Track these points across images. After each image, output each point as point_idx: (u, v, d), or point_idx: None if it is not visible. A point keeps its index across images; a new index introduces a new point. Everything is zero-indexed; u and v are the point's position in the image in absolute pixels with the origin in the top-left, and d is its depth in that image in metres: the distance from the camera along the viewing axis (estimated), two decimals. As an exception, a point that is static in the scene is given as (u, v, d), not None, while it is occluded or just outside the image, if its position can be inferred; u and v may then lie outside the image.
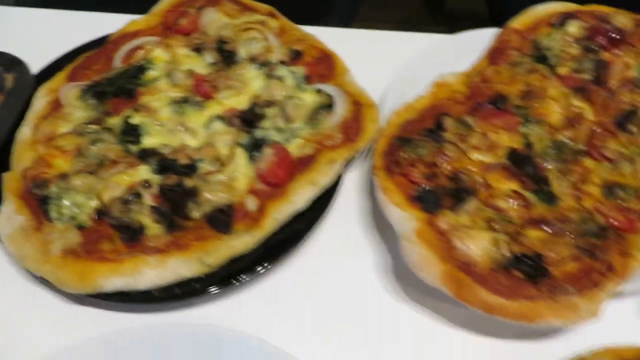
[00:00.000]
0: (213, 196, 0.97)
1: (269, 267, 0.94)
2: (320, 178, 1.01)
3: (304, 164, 1.03)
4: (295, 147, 1.05)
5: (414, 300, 0.97)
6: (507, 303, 0.85)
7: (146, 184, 0.99)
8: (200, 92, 1.13)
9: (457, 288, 0.87)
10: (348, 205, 1.09)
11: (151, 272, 0.88)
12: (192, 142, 1.07)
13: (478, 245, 0.90)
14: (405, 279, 0.97)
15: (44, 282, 0.91)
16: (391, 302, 0.97)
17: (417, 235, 0.91)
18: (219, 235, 0.95)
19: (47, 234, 0.91)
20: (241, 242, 0.95)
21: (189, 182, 0.98)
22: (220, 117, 1.10)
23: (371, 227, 1.06)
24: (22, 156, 1.02)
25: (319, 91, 1.13)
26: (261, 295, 0.98)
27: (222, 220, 0.96)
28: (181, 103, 1.11)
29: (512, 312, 0.85)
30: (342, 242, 1.04)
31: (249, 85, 1.15)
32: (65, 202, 0.95)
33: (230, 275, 0.93)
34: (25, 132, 1.06)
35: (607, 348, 0.84)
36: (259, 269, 0.93)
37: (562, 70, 1.17)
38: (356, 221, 1.07)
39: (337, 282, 0.99)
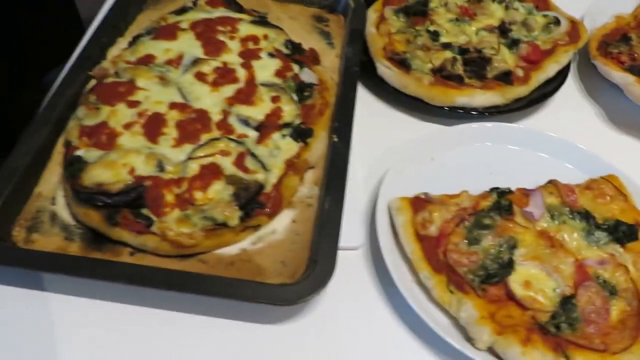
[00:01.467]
0: (498, 64, 1.63)
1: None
2: (560, 59, 1.67)
3: (548, 53, 1.69)
4: (540, 44, 1.71)
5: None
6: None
7: (454, 58, 1.65)
8: (467, 14, 1.81)
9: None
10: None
11: (479, 97, 1.54)
12: (468, 40, 1.74)
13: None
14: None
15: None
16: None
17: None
18: (505, 85, 1.60)
19: (414, 75, 1.57)
20: (517, 90, 1.60)
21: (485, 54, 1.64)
22: (483, 29, 1.77)
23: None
24: (377, 41, 1.70)
25: (545, 15, 1.79)
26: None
27: (505, 78, 1.62)
28: (455, 20, 1.79)
29: None
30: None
31: (494, 13, 1.83)
32: (415, 62, 1.62)
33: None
34: (372, 30, 1.74)
35: None
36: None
37: None
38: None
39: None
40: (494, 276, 1.19)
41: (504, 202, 1.31)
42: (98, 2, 1.89)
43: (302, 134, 1.40)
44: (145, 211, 1.21)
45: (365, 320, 1.23)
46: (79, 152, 1.31)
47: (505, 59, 1.71)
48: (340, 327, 1.19)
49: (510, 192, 1.35)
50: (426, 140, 1.47)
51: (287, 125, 1.40)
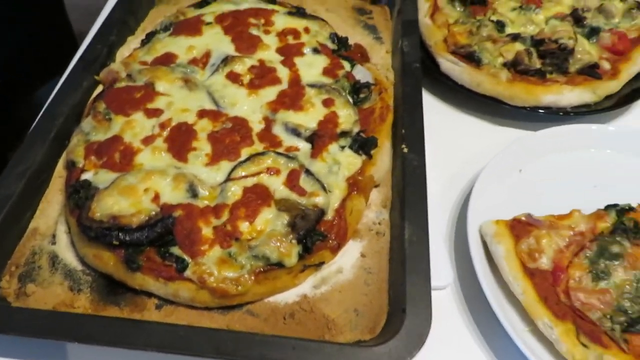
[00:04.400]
0: (581, 55, 1.37)
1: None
2: (652, 49, 1.41)
3: (636, 42, 1.43)
4: (625, 32, 1.46)
5: None
6: None
7: (528, 50, 1.39)
8: (532, 1, 1.55)
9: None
10: None
11: (567, 94, 1.28)
12: (539, 30, 1.48)
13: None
14: None
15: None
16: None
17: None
18: (594, 80, 1.34)
19: (487, 71, 1.31)
20: (608, 85, 1.34)
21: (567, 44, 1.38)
22: (553, 17, 1.51)
23: None
24: (434, 33, 1.44)
25: (623, 0, 1.54)
26: None
27: (592, 72, 1.36)
28: (519, 9, 1.54)
29: None
30: None
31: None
32: (485, 55, 1.36)
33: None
34: (427, 21, 1.48)
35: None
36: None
37: None
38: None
39: None
40: (638, 322, 0.92)
41: (627, 222, 1.04)
42: (91, 15, 1.64)
43: (364, 144, 1.12)
44: (175, 250, 0.92)
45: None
46: (86, 176, 1.02)
47: (587, 50, 1.46)
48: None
49: (631, 209, 1.07)
50: (512, 148, 1.20)
51: (344, 134, 1.13)
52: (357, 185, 1.07)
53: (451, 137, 1.32)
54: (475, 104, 1.38)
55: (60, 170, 1.10)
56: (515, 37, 1.46)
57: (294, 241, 0.93)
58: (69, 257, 0.97)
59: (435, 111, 1.39)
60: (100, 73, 1.24)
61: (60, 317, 0.85)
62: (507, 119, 1.37)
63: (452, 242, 1.11)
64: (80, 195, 0.98)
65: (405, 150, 1.11)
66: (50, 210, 1.04)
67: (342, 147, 1.10)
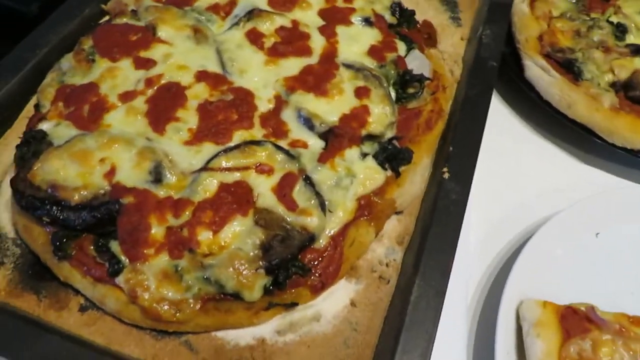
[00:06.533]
0: None
1: None
2: None
3: None
4: None
5: None
6: None
7: (652, 73, 1.05)
8: (674, 7, 1.18)
9: None
10: None
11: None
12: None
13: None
14: None
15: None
16: None
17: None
18: None
19: (586, 89, 0.99)
20: None
21: None
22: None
23: None
24: (529, 25, 1.12)
25: None
26: None
27: None
28: (656, 14, 1.17)
29: None
30: None
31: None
32: (589, 67, 1.03)
33: None
34: (524, 9, 1.16)
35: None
36: None
37: None
38: None
39: None
40: None
41: None
42: None
43: (394, 156, 0.86)
44: (114, 246, 0.74)
45: None
46: (44, 125, 0.83)
47: None
48: None
49: None
50: (595, 201, 0.90)
51: (371, 137, 0.88)
52: (370, 208, 0.82)
53: (513, 166, 1.02)
54: (560, 129, 1.05)
55: (30, 110, 0.93)
56: (638, 51, 1.12)
57: (261, 270, 0.71)
58: (4, 218, 0.81)
59: (501, 126, 1.08)
60: (108, 2, 1.05)
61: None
62: (598, 158, 1.04)
63: (476, 316, 0.84)
64: (29, 148, 0.81)
65: (446, 175, 0.84)
66: (5, 154, 0.87)
67: (364, 155, 0.85)
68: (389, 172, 0.85)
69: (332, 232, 0.77)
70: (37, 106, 0.88)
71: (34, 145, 0.81)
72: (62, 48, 0.96)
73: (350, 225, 0.79)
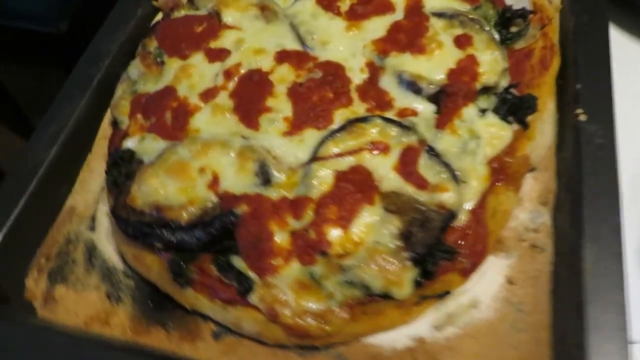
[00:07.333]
0: None
1: None
2: None
3: None
4: None
5: None
6: None
7: None
8: None
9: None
10: None
11: None
12: None
13: None
14: None
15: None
16: None
17: None
18: None
19: None
20: None
21: None
22: None
23: None
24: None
25: None
26: None
27: None
28: None
29: None
30: None
31: None
32: None
33: None
34: None
35: None
36: None
37: None
38: None
39: None
40: None
41: None
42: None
43: (517, 106, 0.74)
44: (237, 261, 0.66)
45: None
46: (129, 143, 0.76)
47: None
48: None
49: None
50: None
51: (486, 90, 0.76)
52: (504, 170, 0.72)
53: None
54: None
55: (105, 128, 0.86)
56: None
57: (407, 263, 0.64)
58: (109, 250, 0.74)
59: (632, 61, 0.92)
60: (158, -3, 0.96)
61: (88, 347, 0.64)
62: None
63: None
64: (120, 170, 0.74)
65: (583, 117, 0.73)
66: (92, 182, 0.81)
67: (483, 111, 0.75)
68: (515, 126, 0.74)
69: (470, 205, 0.68)
70: (114, 123, 0.81)
71: (124, 166, 0.74)
72: (122, 56, 0.89)
73: (488, 193, 0.70)
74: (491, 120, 0.74)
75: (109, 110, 0.87)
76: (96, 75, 0.85)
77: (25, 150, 0.79)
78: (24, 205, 0.74)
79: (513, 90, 0.77)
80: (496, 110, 0.74)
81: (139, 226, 0.67)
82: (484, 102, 0.75)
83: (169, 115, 0.76)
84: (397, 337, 0.65)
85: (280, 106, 0.75)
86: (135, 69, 0.83)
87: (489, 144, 0.72)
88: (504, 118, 0.74)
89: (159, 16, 0.96)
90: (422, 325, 0.65)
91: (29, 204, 0.74)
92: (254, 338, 0.65)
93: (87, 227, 0.77)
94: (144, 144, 0.76)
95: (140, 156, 0.74)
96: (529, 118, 0.74)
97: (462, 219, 0.67)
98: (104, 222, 0.77)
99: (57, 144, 0.79)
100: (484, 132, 0.73)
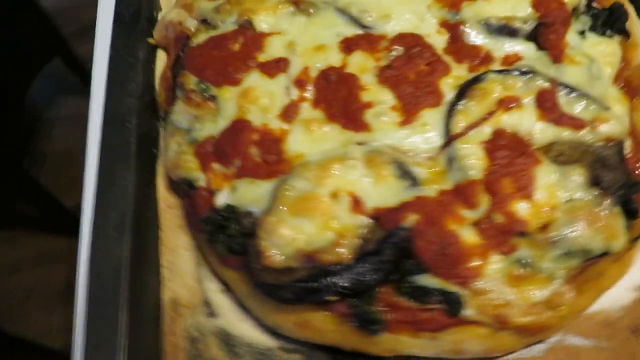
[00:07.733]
0: None
1: None
2: None
3: None
4: None
5: None
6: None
7: None
8: None
9: None
10: None
11: None
12: None
13: None
14: None
15: None
16: None
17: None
18: None
19: None
20: None
21: None
22: None
23: None
24: None
25: None
26: None
27: None
28: None
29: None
30: None
31: None
32: None
33: None
34: None
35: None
36: None
37: None
38: None
39: None
40: None
41: None
42: None
43: (609, 18, 0.70)
44: (426, 280, 0.55)
45: None
46: (221, 199, 0.62)
47: None
48: None
49: None
50: None
51: (574, 11, 0.72)
52: (628, 85, 0.68)
53: None
54: None
55: (164, 195, 0.71)
56: None
57: (614, 208, 0.57)
58: (249, 331, 0.60)
59: None
60: (154, 32, 0.82)
61: None
62: None
63: None
64: (230, 232, 0.61)
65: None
66: (181, 262, 0.66)
67: (581, 33, 0.70)
68: (617, 37, 0.70)
69: (625, 128, 0.63)
70: (188, 186, 0.67)
71: (232, 226, 0.61)
72: (144, 110, 0.74)
73: (631, 113, 0.65)
74: (594, 39, 0.68)
75: (159, 176, 0.73)
76: (130, 140, 0.70)
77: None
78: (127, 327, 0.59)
79: (595, 3, 0.73)
80: (592, 28, 0.70)
81: (297, 286, 0.54)
82: (578, 24, 0.69)
83: (255, 152, 0.64)
84: (617, 294, 0.58)
85: (380, 97, 0.64)
86: (181, 115, 0.69)
87: (606, 63, 0.67)
88: (602, 34, 0.69)
89: (161, 58, 0.82)
90: (637, 273, 0.59)
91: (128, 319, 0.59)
92: (477, 358, 0.56)
93: (206, 315, 0.63)
94: (240, 194, 0.62)
95: (245, 208, 0.61)
96: (627, 25, 0.71)
97: (627, 145, 0.62)
98: (224, 301, 0.63)
99: (126, 231, 0.63)
100: (594, 53, 0.67)
